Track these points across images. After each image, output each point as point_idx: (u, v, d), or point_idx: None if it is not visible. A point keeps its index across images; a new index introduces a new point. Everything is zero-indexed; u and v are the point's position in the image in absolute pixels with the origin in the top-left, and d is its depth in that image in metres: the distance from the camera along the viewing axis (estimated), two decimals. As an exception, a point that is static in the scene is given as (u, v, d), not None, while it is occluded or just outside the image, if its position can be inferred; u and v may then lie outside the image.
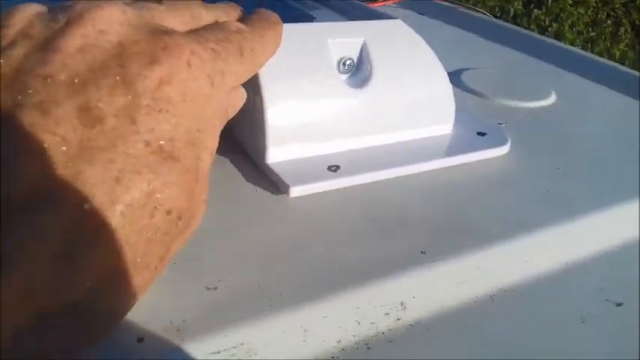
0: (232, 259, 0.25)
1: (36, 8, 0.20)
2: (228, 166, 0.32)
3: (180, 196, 0.20)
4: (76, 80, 0.18)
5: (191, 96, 0.21)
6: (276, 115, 0.30)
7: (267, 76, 0.30)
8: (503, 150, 0.36)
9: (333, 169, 0.32)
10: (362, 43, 0.34)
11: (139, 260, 0.19)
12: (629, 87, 0.49)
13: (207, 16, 0.25)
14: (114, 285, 0.18)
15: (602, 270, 0.29)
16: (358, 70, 0.34)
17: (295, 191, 0.30)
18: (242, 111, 0.32)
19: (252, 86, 0.30)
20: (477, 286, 0.26)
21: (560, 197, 0.32)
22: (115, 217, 0.18)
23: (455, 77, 0.47)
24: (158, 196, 0.19)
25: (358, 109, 0.33)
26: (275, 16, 0.28)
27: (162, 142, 0.19)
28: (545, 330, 0.25)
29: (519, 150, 0.37)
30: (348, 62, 0.34)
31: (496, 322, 0.25)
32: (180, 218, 0.20)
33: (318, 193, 0.30)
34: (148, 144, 0.19)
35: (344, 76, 0.34)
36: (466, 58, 0.53)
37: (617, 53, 2.23)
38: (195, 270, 0.24)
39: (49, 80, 0.18)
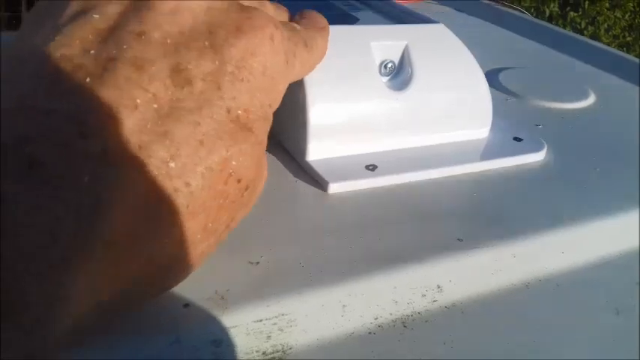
0: (274, 239, 0.26)
1: None
2: (269, 160, 0.33)
3: (251, 166, 0.20)
4: (168, 40, 0.19)
5: (270, 70, 0.21)
6: (318, 114, 0.31)
7: (311, 75, 0.31)
8: (539, 156, 0.36)
9: (371, 168, 0.32)
10: (404, 46, 0.35)
11: (210, 225, 0.20)
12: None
13: (270, 7, 0.26)
14: (185, 247, 0.19)
15: (637, 264, 0.29)
16: (399, 73, 0.35)
17: (333, 188, 0.30)
18: (283, 109, 0.33)
19: (296, 85, 0.31)
20: (512, 273, 0.27)
21: (598, 195, 0.33)
22: (197, 178, 0.18)
23: (492, 77, 0.48)
24: (233, 163, 0.19)
25: (398, 111, 0.34)
26: (323, 21, 0.29)
27: (240, 112, 0.20)
28: (579, 319, 0.25)
29: (556, 151, 0.37)
30: (389, 65, 0.34)
31: (530, 310, 0.25)
32: (247, 188, 0.21)
33: (356, 191, 0.31)
34: (229, 111, 0.19)
35: (385, 79, 0.34)
36: (504, 56, 0.54)
37: (652, 58, 2.20)
38: (238, 247, 0.24)
39: (143, 37, 0.18)
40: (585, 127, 0.42)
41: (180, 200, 0.18)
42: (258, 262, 0.24)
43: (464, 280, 0.26)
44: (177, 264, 0.19)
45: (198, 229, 0.19)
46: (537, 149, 0.37)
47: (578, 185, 0.34)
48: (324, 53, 0.29)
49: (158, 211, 0.18)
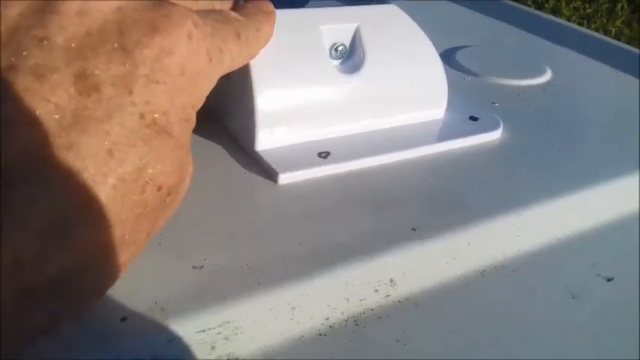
0: (220, 239, 0.25)
1: None
2: (219, 152, 0.32)
3: (172, 172, 0.19)
4: (73, 45, 0.18)
5: (190, 70, 0.20)
6: (266, 101, 0.30)
7: (258, 62, 0.30)
8: (495, 135, 0.36)
9: (323, 155, 0.31)
10: (355, 28, 0.34)
11: (127, 237, 0.19)
12: (624, 63, 0.49)
13: None
14: (100, 260, 0.18)
15: (593, 245, 0.29)
16: (351, 56, 0.34)
17: (284, 178, 0.29)
18: (230, 97, 0.32)
19: (242, 72, 0.30)
20: (467, 261, 0.26)
21: (553, 174, 0.32)
22: (107, 190, 0.17)
23: (449, 56, 0.47)
24: (150, 171, 0.18)
25: (350, 95, 0.33)
26: (269, 5, 0.28)
27: (156, 116, 0.19)
28: (536, 305, 0.25)
29: (513, 130, 0.37)
30: (340, 48, 0.33)
31: (486, 298, 0.25)
32: (169, 194, 0.20)
33: (308, 180, 0.30)
34: (142, 116, 0.18)
35: (336, 62, 0.33)
36: (462, 34, 0.53)
37: (613, 30, 2.23)
38: (181, 250, 0.24)
39: (45, 43, 0.17)
40: (541, 103, 0.42)
41: (90, 215, 0.17)
42: (202, 267, 0.23)
43: (418, 271, 0.25)
44: (92, 280, 0.18)
45: (113, 242, 0.18)
46: (493, 128, 0.36)
47: (534, 164, 0.33)
48: (269, 39, 0.28)
49: (65, 228, 0.16)
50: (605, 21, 2.31)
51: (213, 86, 0.23)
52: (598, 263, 0.27)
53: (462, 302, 0.25)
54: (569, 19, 2.21)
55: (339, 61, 0.34)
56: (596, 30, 2.21)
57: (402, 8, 0.36)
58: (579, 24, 2.20)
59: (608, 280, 0.26)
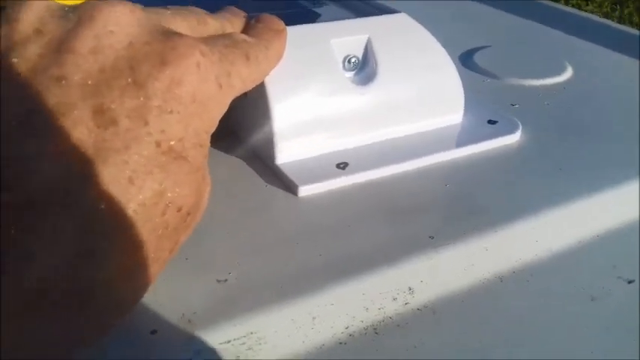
0: (242, 252, 0.25)
1: (45, 3, 0.20)
2: (239, 166, 0.33)
3: (190, 194, 0.20)
4: (89, 82, 0.19)
5: (200, 97, 0.21)
6: (283, 116, 0.31)
7: (272, 78, 0.31)
8: (514, 138, 0.36)
9: (342, 166, 0.32)
10: (366, 39, 0.34)
11: (152, 256, 0.20)
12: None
13: (213, 23, 0.25)
14: (126, 281, 0.19)
15: (614, 247, 0.28)
16: (364, 67, 0.34)
17: (304, 190, 0.30)
18: (249, 113, 0.33)
19: (258, 89, 0.31)
20: (485, 268, 0.26)
21: (574, 176, 0.32)
22: (129, 216, 0.18)
23: (468, 58, 0.47)
24: (169, 194, 0.20)
25: (365, 106, 0.33)
26: (279, 23, 0.28)
27: (172, 143, 0.20)
28: (555, 310, 0.25)
29: (532, 131, 0.37)
30: (353, 60, 0.34)
31: (505, 304, 0.25)
32: (189, 214, 0.21)
33: (327, 192, 0.31)
34: (159, 145, 0.19)
35: (350, 74, 0.34)
36: (480, 33, 0.53)
37: (647, 14, 2.18)
38: (206, 264, 0.24)
39: (64, 82, 0.18)
40: (562, 103, 0.41)
41: (114, 240, 0.18)
42: (226, 280, 0.24)
43: (435, 279, 0.25)
44: (118, 300, 0.19)
45: (137, 263, 0.19)
46: (512, 131, 0.36)
47: (553, 166, 0.33)
48: (280, 56, 0.29)
49: (90, 253, 0.18)
50: (639, 5, 2.26)
51: (227, 109, 0.24)
52: (619, 265, 0.27)
53: (481, 309, 0.25)
54: (600, 5, 2.17)
55: (353, 72, 0.34)
56: (630, 15, 2.16)
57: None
58: (611, 9, 2.15)
59: (630, 282, 0.26)
